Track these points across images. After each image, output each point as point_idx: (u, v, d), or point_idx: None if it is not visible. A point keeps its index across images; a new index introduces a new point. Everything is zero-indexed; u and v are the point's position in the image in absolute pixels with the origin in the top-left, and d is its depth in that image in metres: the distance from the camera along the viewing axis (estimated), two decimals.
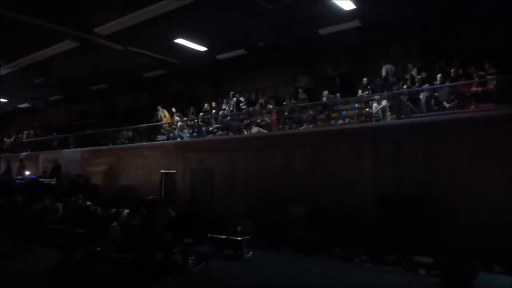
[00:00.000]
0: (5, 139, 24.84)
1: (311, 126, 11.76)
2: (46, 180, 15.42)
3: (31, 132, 23.28)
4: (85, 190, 15.30)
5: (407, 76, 11.45)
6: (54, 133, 20.81)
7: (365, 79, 12.12)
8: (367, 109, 11.04)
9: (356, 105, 11.46)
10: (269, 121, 12.75)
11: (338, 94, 12.45)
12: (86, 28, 12.02)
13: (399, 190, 8.89)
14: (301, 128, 11.89)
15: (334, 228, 9.30)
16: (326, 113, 11.95)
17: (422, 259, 7.78)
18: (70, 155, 17.58)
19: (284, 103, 13.39)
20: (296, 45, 13.47)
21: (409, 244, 8.17)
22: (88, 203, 12.12)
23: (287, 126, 12.46)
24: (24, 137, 23.34)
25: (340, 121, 11.47)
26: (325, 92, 12.26)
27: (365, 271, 7.87)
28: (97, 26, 11.88)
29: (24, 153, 20.38)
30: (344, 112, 11.83)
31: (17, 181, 16.30)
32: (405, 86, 11.16)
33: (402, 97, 10.65)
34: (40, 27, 11.73)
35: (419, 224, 8.30)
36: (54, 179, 15.57)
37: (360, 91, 11.96)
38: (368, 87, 12.01)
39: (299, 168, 10.60)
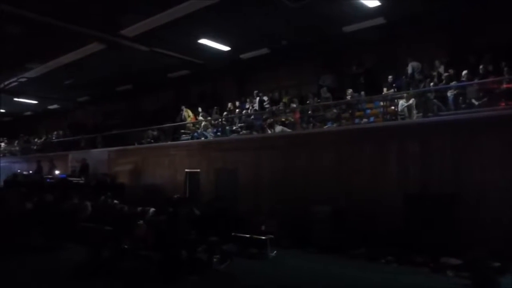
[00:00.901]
0: (36, 140, 25.63)
1: (335, 125, 11.65)
2: (75, 179, 15.81)
3: (61, 132, 23.94)
4: (111, 189, 15.66)
5: (434, 73, 11.20)
6: (82, 133, 21.33)
7: (390, 76, 11.93)
8: (393, 107, 10.86)
9: (381, 103, 11.30)
10: (292, 120, 12.70)
11: (362, 92, 12.29)
12: (113, 30, 12.28)
13: (426, 189, 8.74)
14: (325, 127, 11.81)
15: (359, 228, 9.21)
16: (350, 111, 11.82)
17: (450, 261, 7.63)
18: (98, 155, 17.99)
19: (308, 101, 13.31)
20: (320, 43, 13.37)
21: (437, 245, 8.02)
22: (115, 201, 12.39)
23: (311, 125, 12.39)
24: (54, 137, 24.03)
25: (365, 120, 11.32)
26: (349, 91, 12.13)
27: (391, 272, 7.77)
28: (123, 28, 12.12)
29: (54, 153, 20.98)
30: (368, 111, 11.67)
31: (48, 180, 16.79)
32: (432, 84, 10.93)
33: (429, 94, 10.43)
34: (68, 30, 12.04)
35: (447, 225, 8.13)
36: (82, 178, 15.97)
37: (385, 89, 11.78)
38: (394, 84, 11.81)
39: (323, 167, 10.54)
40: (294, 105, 13.31)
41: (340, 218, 9.51)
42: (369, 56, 13.38)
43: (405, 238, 8.51)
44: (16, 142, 27.27)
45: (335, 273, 7.71)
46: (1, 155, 27.22)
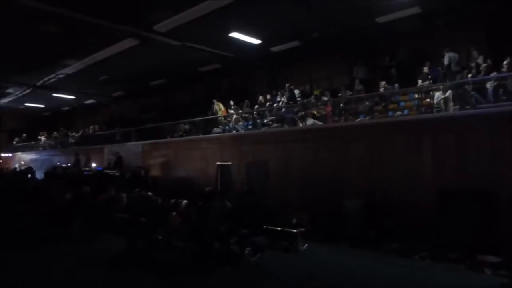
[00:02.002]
0: (74, 133, 26.56)
1: (367, 118, 11.47)
2: (111, 172, 16.30)
3: (97, 126, 24.70)
4: (145, 181, 16.07)
5: (472, 64, 10.80)
6: (117, 127, 21.92)
7: (425, 68, 11.60)
8: (428, 100, 10.57)
9: (416, 95, 11.01)
10: (324, 113, 12.59)
11: (396, 85, 12.03)
12: (146, 26, 12.51)
13: (462, 184, 8.47)
14: (357, 120, 11.64)
15: (392, 222, 9.06)
16: (383, 104, 11.59)
17: (488, 258, 7.38)
18: (132, 148, 18.46)
19: (340, 94, 13.15)
20: (352, 35, 13.15)
21: (473, 242, 7.78)
22: (149, 193, 12.70)
23: (343, 118, 12.24)
24: (90, 131, 24.83)
25: (399, 113, 11.07)
26: (383, 83, 11.89)
27: (425, 268, 7.58)
28: (156, 23, 12.32)
29: (91, 146, 21.70)
30: (402, 103, 11.40)
31: (85, 172, 17.40)
32: (469, 75, 10.55)
33: (467, 86, 10.08)
34: (104, 27, 12.36)
35: (484, 221, 7.87)
36: (117, 171, 16.44)
37: (420, 81, 11.47)
38: (429, 76, 11.49)
39: (355, 161, 10.40)
40: (326, 98, 13.18)
41: (372, 213, 9.38)
42: (403, 47, 13.06)
43: (439, 233, 8.31)
44: (55, 135, 28.36)
45: (367, 268, 7.61)
46: (42, 148, 28.45)
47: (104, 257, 8.01)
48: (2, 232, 8.44)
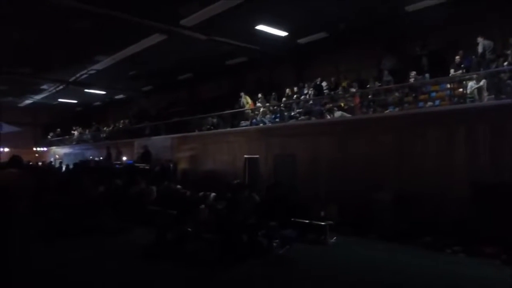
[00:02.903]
0: (105, 128, 27.25)
1: (397, 109, 11.22)
2: (141, 165, 16.64)
3: (127, 121, 25.24)
4: (174, 174, 16.33)
5: (508, 52, 10.37)
6: (146, 121, 22.33)
7: (457, 57, 11.22)
8: (461, 90, 10.23)
9: (448, 85, 10.68)
10: (352, 104, 12.41)
11: (427, 75, 11.69)
12: (173, 21, 12.63)
13: (497, 177, 8.18)
14: (386, 111, 11.41)
15: (423, 215, 8.87)
16: (413, 95, 11.31)
17: None
18: (161, 142, 18.78)
19: (368, 85, 12.91)
20: (381, 25, 12.85)
21: (509, 236, 7.52)
22: (178, 186, 12.92)
23: (371, 109, 12.03)
24: (120, 126, 25.40)
25: (430, 103, 10.76)
26: (413, 73, 11.59)
27: (459, 262, 7.40)
28: (183, 18, 12.42)
29: (121, 140, 22.22)
30: (433, 94, 11.08)
31: (117, 165, 17.84)
32: (505, 63, 10.13)
33: (502, 75, 9.69)
34: (132, 23, 12.57)
35: None
36: (147, 164, 16.76)
37: (452, 70, 11.10)
38: (462, 65, 11.10)
39: (384, 153, 10.22)
40: (354, 90, 12.98)
41: (402, 205, 9.21)
42: (434, 35, 12.67)
43: (472, 227, 8.06)
44: (88, 130, 29.20)
45: (398, 262, 7.49)
46: (75, 142, 29.36)
47: (135, 248, 8.21)
48: (39, 223, 8.75)
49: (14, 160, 6.16)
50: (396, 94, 11.58)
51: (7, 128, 30.32)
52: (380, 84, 12.54)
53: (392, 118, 10.72)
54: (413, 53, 12.72)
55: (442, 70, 11.33)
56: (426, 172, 9.30)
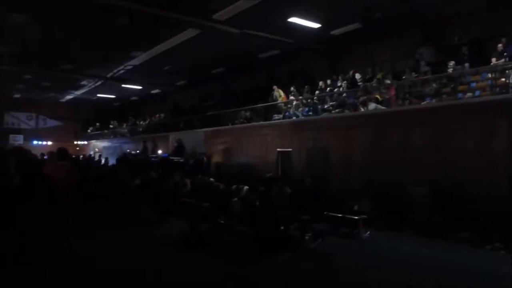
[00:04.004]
0: (141, 122, 27.94)
1: (434, 100, 10.87)
2: (175, 158, 16.98)
3: (162, 115, 25.76)
4: (208, 167, 16.56)
5: None
6: (181, 115, 22.70)
7: (500, 45, 10.69)
8: (503, 79, 9.77)
9: (489, 75, 10.22)
10: (387, 96, 12.12)
11: (466, 64, 11.23)
12: (206, 15, 12.73)
13: None
14: (423, 103, 11.07)
15: (460, 210, 8.59)
16: (452, 85, 10.90)
17: None
18: (195, 135, 19.07)
19: (404, 77, 12.56)
20: (417, 13, 12.45)
21: None
22: (211, 179, 13.10)
23: (407, 101, 11.70)
24: (156, 120, 25.96)
25: (469, 94, 10.35)
26: (451, 63, 11.16)
27: (499, 260, 7.08)
28: (216, 12, 12.50)
29: (157, 134, 22.73)
30: (473, 84, 10.63)
31: (152, 159, 18.28)
32: None
33: None
34: (167, 18, 12.78)
35: None
36: (181, 158, 17.09)
37: (494, 59, 10.60)
38: (504, 53, 10.58)
39: (420, 146, 9.96)
40: (389, 81, 12.66)
41: (439, 199, 8.96)
42: (474, 23, 12.12)
43: None
44: (125, 124, 30.04)
45: (434, 258, 7.30)
46: (113, 136, 30.30)
47: (170, 239, 8.41)
48: (80, 213, 9.12)
49: (62, 153, 6.47)
50: (434, 85, 11.20)
51: (50, 123, 31.86)
52: (416, 75, 12.17)
53: (429, 110, 10.40)
54: (452, 42, 12.24)
55: (482, 59, 10.84)
56: (464, 165, 8.99)
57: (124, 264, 6.70)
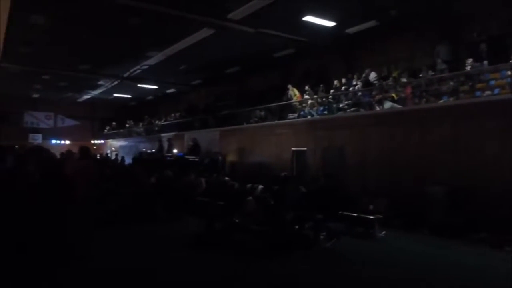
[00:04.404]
0: (156, 121, 28.19)
1: (451, 99, 10.69)
2: (190, 157, 17.09)
3: (177, 114, 25.94)
4: (222, 166, 16.62)
5: None
6: (196, 115, 22.83)
7: None
8: None
9: (509, 72, 10.01)
10: (403, 95, 11.98)
11: (485, 62, 11.01)
12: (221, 15, 12.77)
13: None
14: (439, 101, 10.91)
15: (479, 210, 8.44)
16: (470, 83, 10.70)
17: None
18: (210, 135, 19.16)
19: (420, 75, 12.38)
20: (435, 11, 12.26)
21: None
22: (226, 178, 13.14)
23: (424, 100, 11.54)
24: (171, 119, 26.16)
25: (488, 92, 10.15)
26: (469, 60, 10.95)
27: None
28: (230, 12, 12.52)
29: (172, 133, 22.91)
30: (492, 82, 10.41)
31: (168, 157, 18.44)
32: None
33: None
34: (182, 18, 12.86)
35: None
36: (196, 157, 17.19)
37: None
38: None
39: (437, 145, 9.82)
40: (405, 80, 12.51)
41: (456, 199, 8.82)
42: (493, 19, 11.88)
43: None
44: (141, 124, 30.35)
45: (451, 259, 7.19)
46: (129, 135, 30.65)
47: (185, 237, 8.48)
48: (98, 210, 9.26)
49: (85, 152, 6.61)
50: (451, 83, 11.02)
51: (68, 122, 32.43)
52: (433, 73, 11.99)
53: (446, 109, 10.24)
54: (470, 39, 12.01)
55: (502, 57, 10.62)
56: (482, 165, 8.83)
57: (140, 261, 6.80)
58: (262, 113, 17.03)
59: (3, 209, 4.84)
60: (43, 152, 6.29)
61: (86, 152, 6.77)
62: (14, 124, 30.35)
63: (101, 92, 27.86)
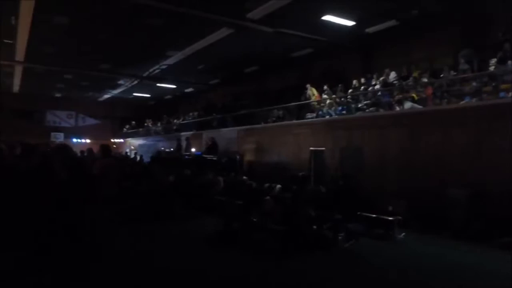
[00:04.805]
0: (175, 120, 28.45)
1: (474, 100, 10.49)
2: (208, 156, 17.19)
3: (195, 113, 26.13)
4: (240, 165, 16.67)
5: None
6: (214, 114, 22.97)
7: None
8: None
9: None
10: (424, 95, 11.81)
11: (510, 62, 10.77)
12: (240, 15, 12.83)
13: None
14: (461, 102, 10.71)
15: (502, 214, 8.25)
16: (493, 84, 10.49)
17: None
18: (228, 134, 19.22)
19: (442, 75, 12.19)
20: (457, 9, 12.05)
21: None
22: (244, 177, 13.19)
23: (445, 100, 11.35)
24: (189, 118, 26.37)
25: None
26: (493, 61, 10.73)
27: None
28: (249, 11, 12.57)
29: (190, 132, 23.09)
30: None
31: (186, 157, 18.59)
32: None
33: None
34: (202, 18, 12.96)
35: None
36: (215, 156, 17.27)
37: None
38: None
39: (459, 146, 9.64)
40: (425, 80, 12.33)
41: (479, 203, 8.65)
42: None
43: None
44: (159, 123, 30.67)
45: (472, 263, 7.03)
46: (148, 134, 31.01)
47: (203, 235, 8.56)
48: (120, 209, 9.43)
49: (106, 150, 6.74)
50: (474, 83, 10.81)
51: (88, 121, 33.09)
52: (455, 73, 11.78)
53: (468, 110, 10.04)
54: (494, 39, 11.77)
55: None
56: (506, 167, 8.62)
57: (161, 259, 6.88)
58: (280, 112, 17.00)
59: (32, 208, 4.97)
60: (69, 151, 6.42)
61: (108, 150, 6.89)
62: (37, 122, 31.16)
63: (121, 92, 28.29)
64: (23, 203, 4.82)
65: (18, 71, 22.46)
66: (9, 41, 16.19)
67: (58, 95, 31.07)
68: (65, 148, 6.27)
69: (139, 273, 6.01)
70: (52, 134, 31.70)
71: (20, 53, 18.15)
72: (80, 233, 5.42)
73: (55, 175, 5.24)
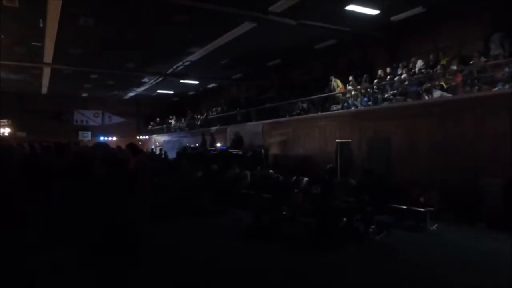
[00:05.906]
0: (199, 116, 28.67)
1: (507, 86, 10.16)
2: (234, 151, 17.27)
3: (219, 108, 26.26)
4: (266, 159, 16.69)
5: None
6: (238, 108, 23.02)
7: None
8: None
9: None
10: (453, 83, 11.50)
11: None
12: (262, 8, 12.77)
13: None
14: (494, 89, 10.39)
15: None
16: None
17: None
18: (253, 128, 19.26)
19: (472, 62, 11.83)
20: None
21: None
22: (270, 171, 13.18)
23: (476, 88, 11.03)
24: (213, 113, 26.53)
25: None
26: None
27: None
28: (271, 4, 12.50)
29: (215, 127, 23.23)
30: None
31: (211, 152, 18.73)
32: None
33: None
34: (224, 13, 12.96)
35: None
36: (240, 150, 17.35)
37: None
38: None
39: (492, 135, 9.37)
40: (455, 67, 11.99)
41: None
42: None
43: None
44: (183, 119, 30.99)
45: (509, 254, 6.86)
46: (173, 130, 31.38)
47: (233, 229, 8.63)
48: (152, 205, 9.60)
49: (133, 148, 6.87)
50: (506, 69, 10.45)
51: (114, 119, 33.77)
52: (486, 59, 11.42)
53: (501, 97, 9.72)
54: None
55: None
56: None
57: (194, 252, 7.01)
58: (305, 105, 16.89)
59: (74, 205, 5.12)
60: (109, 149, 6.57)
61: (134, 147, 6.99)
62: (66, 122, 32.02)
63: (145, 89, 28.68)
64: (71, 203, 4.97)
65: (46, 73, 23.06)
66: (38, 43, 16.62)
67: (84, 95, 31.78)
68: (106, 147, 6.41)
69: (180, 268, 6.14)
70: (80, 133, 32.58)
71: (47, 55, 18.62)
72: (131, 232, 5.56)
73: (93, 174, 5.38)
